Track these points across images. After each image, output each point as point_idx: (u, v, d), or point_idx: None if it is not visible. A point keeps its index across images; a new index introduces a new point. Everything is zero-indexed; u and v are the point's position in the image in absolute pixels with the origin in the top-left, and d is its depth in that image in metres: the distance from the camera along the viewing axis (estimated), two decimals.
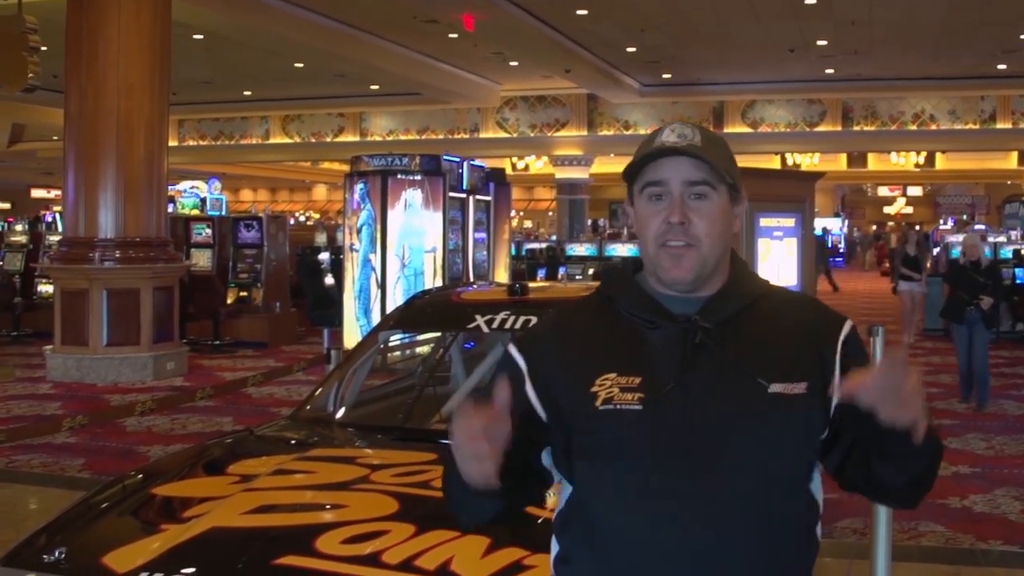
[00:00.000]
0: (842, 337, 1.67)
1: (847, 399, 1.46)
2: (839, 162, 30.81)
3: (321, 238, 16.57)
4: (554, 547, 1.71)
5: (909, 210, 45.14)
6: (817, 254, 14.46)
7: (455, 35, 17.03)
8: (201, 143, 27.74)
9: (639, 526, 1.56)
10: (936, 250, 16.97)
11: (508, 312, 3.70)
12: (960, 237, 12.82)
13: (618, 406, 1.57)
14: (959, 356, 9.18)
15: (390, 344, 4.90)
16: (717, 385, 1.58)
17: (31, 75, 10.16)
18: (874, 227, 41.62)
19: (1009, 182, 33.01)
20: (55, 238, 14.37)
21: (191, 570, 2.44)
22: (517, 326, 3.56)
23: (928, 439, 1.49)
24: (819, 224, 25.49)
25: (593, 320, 1.71)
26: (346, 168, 12.33)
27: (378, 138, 25.69)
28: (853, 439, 1.61)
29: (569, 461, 1.65)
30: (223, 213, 16.36)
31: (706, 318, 1.62)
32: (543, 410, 1.66)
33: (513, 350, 1.73)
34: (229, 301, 13.83)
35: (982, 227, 19.84)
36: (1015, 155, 29.34)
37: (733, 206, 1.67)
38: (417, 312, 4.25)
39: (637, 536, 1.56)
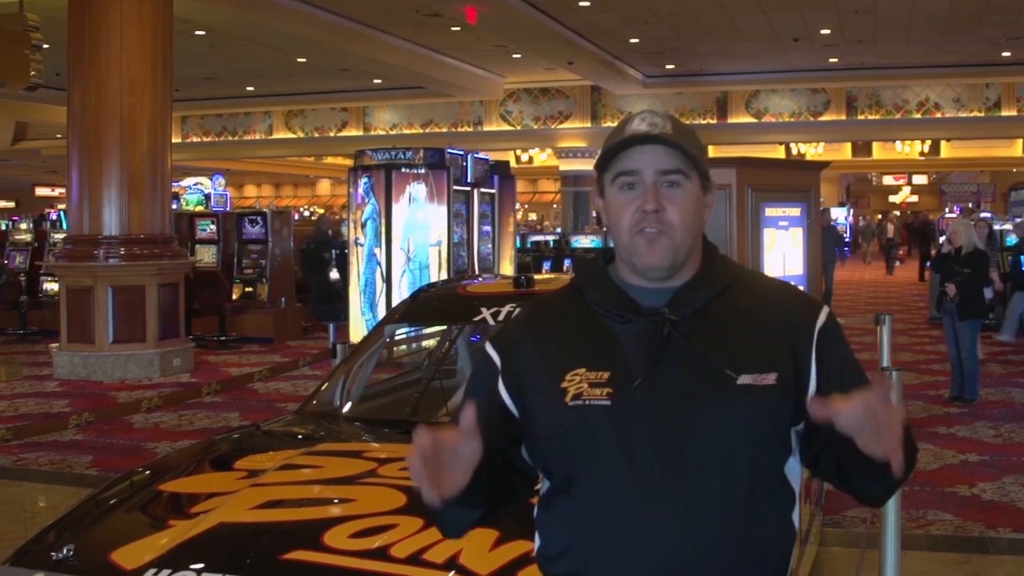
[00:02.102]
0: (818, 326, 1.64)
1: (822, 420, 1.42)
2: (844, 151, 30.69)
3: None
4: (536, 540, 1.71)
5: (914, 199, 45.07)
6: (828, 245, 14.24)
7: (458, 28, 17.01)
8: (204, 139, 27.73)
9: (611, 522, 1.55)
10: (943, 239, 16.82)
11: (514, 305, 3.69)
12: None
13: (587, 402, 1.57)
14: (948, 348, 8.90)
15: (396, 338, 4.89)
16: (684, 379, 1.56)
17: (33, 73, 10.14)
18: (879, 216, 41.49)
19: (1015, 169, 32.87)
20: (60, 236, 14.38)
21: (199, 566, 2.43)
22: None
23: (905, 458, 1.44)
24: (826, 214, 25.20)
25: (565, 314, 1.70)
26: (350, 163, 12.32)
27: (382, 132, 25.66)
28: (827, 440, 1.57)
29: (543, 457, 1.65)
30: (227, 209, 16.38)
31: (674, 310, 1.60)
32: (514, 406, 1.66)
33: (489, 347, 1.73)
34: (234, 297, 13.84)
35: (988, 215, 19.77)
36: (1020, 142, 29.20)
37: (704, 195, 1.66)
38: (423, 305, 4.24)
39: (609, 532, 1.55)
